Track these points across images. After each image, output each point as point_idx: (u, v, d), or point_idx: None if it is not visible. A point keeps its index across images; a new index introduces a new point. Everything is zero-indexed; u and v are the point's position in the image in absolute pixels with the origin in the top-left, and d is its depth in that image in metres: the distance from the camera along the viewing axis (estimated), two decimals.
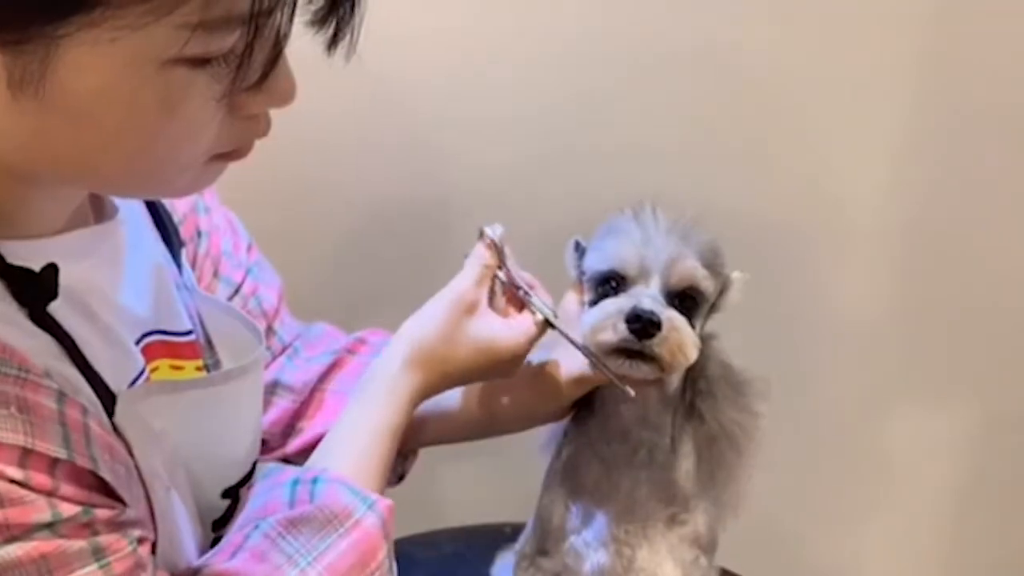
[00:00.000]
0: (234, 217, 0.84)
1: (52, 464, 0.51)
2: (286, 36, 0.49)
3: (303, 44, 0.54)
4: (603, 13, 1.11)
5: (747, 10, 1.10)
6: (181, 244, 0.75)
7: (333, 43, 0.52)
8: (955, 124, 1.15)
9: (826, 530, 1.37)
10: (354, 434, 0.70)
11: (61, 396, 0.53)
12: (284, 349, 0.85)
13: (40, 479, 0.50)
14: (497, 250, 0.76)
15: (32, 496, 0.49)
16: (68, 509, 0.51)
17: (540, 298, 0.77)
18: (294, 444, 0.83)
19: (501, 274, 0.76)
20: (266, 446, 0.84)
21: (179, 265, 0.73)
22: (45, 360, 0.54)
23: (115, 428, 0.57)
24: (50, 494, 0.50)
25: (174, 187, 0.57)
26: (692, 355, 0.71)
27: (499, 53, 1.12)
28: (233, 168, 0.63)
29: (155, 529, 0.60)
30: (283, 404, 0.83)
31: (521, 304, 0.77)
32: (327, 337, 0.88)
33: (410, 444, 0.84)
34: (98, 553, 0.52)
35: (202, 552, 0.67)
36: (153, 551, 0.59)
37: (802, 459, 1.28)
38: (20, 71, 0.45)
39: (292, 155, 1.12)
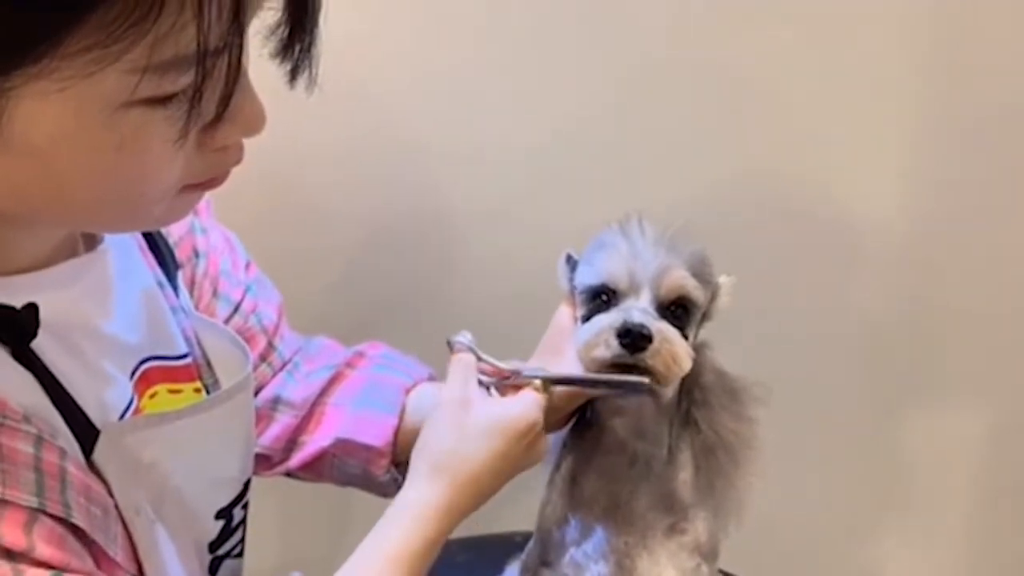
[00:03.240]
0: (232, 236, 0.85)
1: (29, 519, 0.51)
2: (237, 73, 0.49)
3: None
4: (605, 24, 1.11)
5: (748, 14, 1.09)
6: (177, 266, 0.75)
7: (293, 76, 0.52)
8: (964, 123, 1.14)
9: (842, 535, 1.36)
10: (371, 558, 0.67)
11: (39, 441, 0.53)
12: (284, 364, 0.86)
13: (14, 536, 0.50)
14: (472, 352, 0.75)
15: None
16: (35, 575, 0.50)
17: (529, 368, 0.75)
18: (296, 458, 0.85)
19: (485, 374, 0.75)
20: (269, 461, 0.85)
21: (175, 288, 0.74)
22: (26, 400, 0.55)
23: (94, 467, 0.58)
24: (23, 554, 0.50)
25: (148, 220, 0.58)
26: (686, 365, 0.71)
27: (499, 74, 1.12)
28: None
29: (139, 566, 0.61)
30: (285, 420, 0.84)
31: (517, 389, 0.74)
32: (327, 351, 0.89)
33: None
34: None
35: None
36: None
37: (817, 464, 1.28)
38: None
39: (297, 176, 1.13)
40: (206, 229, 0.80)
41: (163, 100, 0.48)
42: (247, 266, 0.85)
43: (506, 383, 0.75)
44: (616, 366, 0.70)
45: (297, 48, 0.51)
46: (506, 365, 0.75)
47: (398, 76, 1.11)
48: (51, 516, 0.53)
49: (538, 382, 0.74)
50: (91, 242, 0.65)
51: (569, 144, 1.17)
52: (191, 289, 0.78)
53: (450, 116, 1.14)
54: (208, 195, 0.80)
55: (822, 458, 1.28)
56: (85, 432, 0.58)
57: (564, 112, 1.15)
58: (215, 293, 0.80)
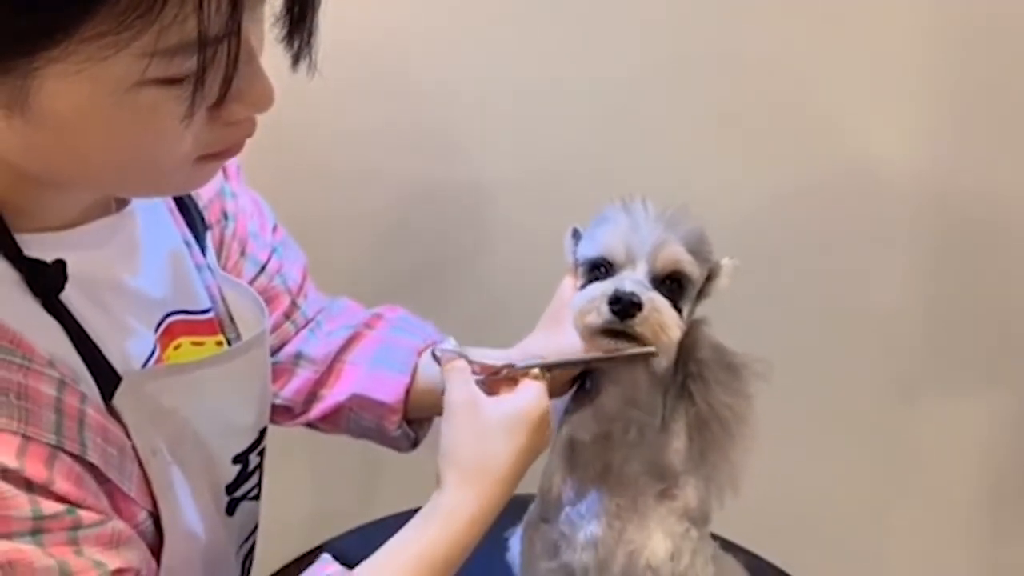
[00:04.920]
0: (261, 200, 0.90)
1: (50, 456, 0.56)
2: (236, 60, 0.53)
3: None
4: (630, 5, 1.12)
5: None
6: (206, 227, 0.81)
7: (295, 61, 0.57)
8: (980, 105, 1.12)
9: (851, 516, 1.37)
10: (397, 557, 0.69)
11: (62, 384, 0.59)
12: (307, 323, 0.91)
13: (35, 469, 0.55)
14: (461, 356, 0.76)
15: (13, 492, 0.54)
16: (50, 507, 0.55)
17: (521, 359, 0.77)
18: (316, 410, 0.90)
19: (478, 375, 0.75)
20: (291, 412, 0.91)
21: (203, 247, 0.79)
22: (52, 348, 0.60)
23: (113, 411, 0.63)
24: (43, 486, 0.55)
25: (169, 186, 0.63)
26: (675, 335, 0.73)
27: (528, 48, 1.15)
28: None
29: (154, 502, 0.66)
30: (305, 374, 0.89)
31: (513, 383, 0.76)
32: (348, 311, 0.94)
33: (423, 413, 0.90)
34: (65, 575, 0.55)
35: (210, 518, 0.73)
36: None
37: (828, 446, 1.28)
38: (6, 96, 0.52)
39: (332, 146, 1.17)
40: (236, 194, 0.85)
41: (172, 81, 0.53)
42: (274, 229, 0.90)
43: (496, 378, 0.76)
44: (607, 332, 0.73)
45: (296, 41, 0.56)
46: (496, 361, 0.77)
47: (435, 47, 1.13)
48: (69, 454, 0.58)
49: (536, 370, 0.76)
50: (122, 204, 0.70)
51: (604, 117, 1.19)
52: (220, 249, 0.83)
53: (486, 87, 1.16)
54: (239, 162, 0.85)
55: (832, 441, 1.29)
56: (107, 378, 0.64)
57: (601, 84, 1.16)
58: (243, 253, 0.85)
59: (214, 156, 0.61)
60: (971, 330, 1.24)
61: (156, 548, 0.68)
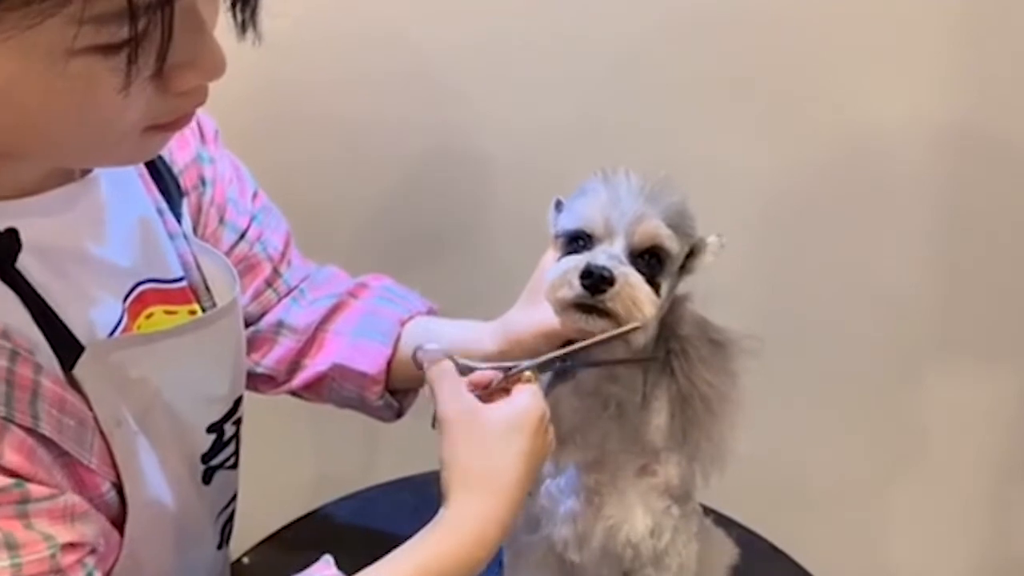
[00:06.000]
0: (241, 165, 0.88)
1: (0, 429, 0.55)
2: (170, 30, 0.51)
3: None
4: None
5: None
6: (182, 194, 0.79)
7: (243, 30, 0.55)
8: (993, 89, 1.08)
9: (850, 495, 1.35)
10: (398, 565, 0.67)
11: (14, 355, 0.58)
12: (290, 291, 0.90)
13: None
14: (445, 357, 0.74)
15: None
16: None
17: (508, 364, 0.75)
18: (298, 379, 0.89)
19: (465, 380, 0.73)
20: (274, 381, 0.90)
21: (177, 215, 0.78)
22: (7, 319, 0.59)
23: (74, 381, 0.62)
24: None
25: (116, 157, 0.61)
26: (647, 310, 0.70)
27: (538, 16, 1.12)
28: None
29: (117, 473, 0.65)
30: (287, 343, 0.88)
31: (504, 390, 0.74)
32: (333, 280, 0.92)
33: (407, 384, 0.89)
34: (12, 548, 0.55)
35: (183, 487, 0.73)
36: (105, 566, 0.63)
37: (830, 423, 1.27)
38: None
39: (331, 115, 1.16)
40: (214, 159, 0.83)
41: (107, 49, 0.51)
42: (254, 195, 0.88)
43: (488, 391, 0.74)
44: (579, 306, 0.71)
45: (240, 12, 0.55)
46: (485, 365, 0.75)
47: (434, 11, 1.11)
48: (20, 427, 0.57)
49: (528, 373, 0.74)
50: (85, 172, 0.69)
51: (609, 89, 1.16)
52: (197, 216, 0.81)
53: (485, 58, 1.14)
54: (218, 125, 0.84)
55: (839, 418, 1.26)
56: (67, 348, 0.63)
57: (602, 56, 1.14)
58: (221, 220, 0.84)
59: (164, 127, 0.59)
60: (977, 308, 1.21)
61: (122, 519, 0.67)
